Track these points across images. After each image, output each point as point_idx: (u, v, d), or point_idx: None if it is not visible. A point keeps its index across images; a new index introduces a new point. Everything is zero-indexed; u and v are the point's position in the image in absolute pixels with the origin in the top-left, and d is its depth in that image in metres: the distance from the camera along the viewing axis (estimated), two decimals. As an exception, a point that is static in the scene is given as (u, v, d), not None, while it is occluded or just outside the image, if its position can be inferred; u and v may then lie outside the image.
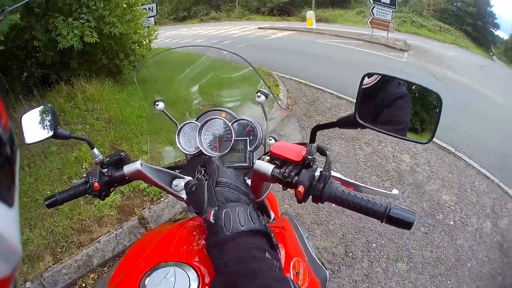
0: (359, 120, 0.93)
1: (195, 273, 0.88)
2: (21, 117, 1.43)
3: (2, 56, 6.58)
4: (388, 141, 6.55)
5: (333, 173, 1.07)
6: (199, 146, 1.51)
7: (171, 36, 24.00)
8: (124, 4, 7.36)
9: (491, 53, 49.49)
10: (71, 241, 3.51)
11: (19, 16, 5.14)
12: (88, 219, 3.74)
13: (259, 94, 1.43)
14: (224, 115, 1.56)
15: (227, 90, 1.85)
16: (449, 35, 42.64)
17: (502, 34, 58.42)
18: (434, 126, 1.00)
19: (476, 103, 12.37)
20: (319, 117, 7.19)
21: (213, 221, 0.94)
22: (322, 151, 1.08)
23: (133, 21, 7.75)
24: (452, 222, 4.69)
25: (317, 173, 1.02)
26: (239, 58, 1.64)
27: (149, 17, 10.62)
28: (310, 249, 1.31)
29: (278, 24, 32.21)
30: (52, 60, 6.77)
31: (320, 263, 1.29)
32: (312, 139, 1.05)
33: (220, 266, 0.85)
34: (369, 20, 23.20)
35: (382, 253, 3.92)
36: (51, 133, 1.36)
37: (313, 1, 34.14)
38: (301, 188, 0.99)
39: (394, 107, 1.00)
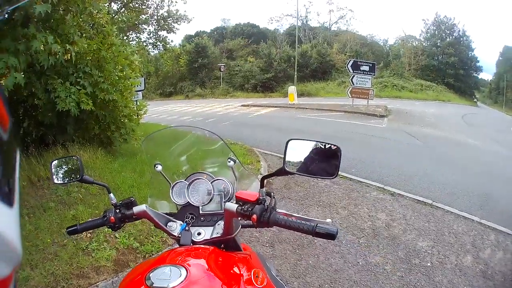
0: (287, 169, 1.63)
1: (185, 271, 1.27)
2: (51, 162, 1.99)
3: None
4: (364, 204, 6.91)
5: (280, 210, 1.64)
6: (187, 199, 1.96)
7: (158, 112, 24.76)
8: (116, 76, 7.73)
9: (475, 100, 50.09)
10: (71, 283, 3.81)
11: (23, 76, 5.44)
12: (87, 267, 4.04)
13: (229, 160, 1.98)
14: (205, 176, 2.04)
15: (207, 159, 2.35)
16: (431, 92, 43.40)
17: (485, 75, 59.28)
18: (337, 167, 1.64)
19: (455, 153, 12.90)
20: (298, 188, 7.55)
21: None
22: (269, 194, 1.66)
23: (124, 92, 8.24)
24: (429, 264, 4.91)
25: (266, 207, 1.57)
26: (216, 135, 2.25)
27: (137, 91, 10.91)
28: (272, 272, 1.86)
29: (261, 101, 33.29)
30: (50, 122, 7.08)
31: (280, 281, 1.83)
32: (262, 185, 1.67)
33: None
34: (349, 90, 24.00)
35: None
36: (78, 177, 1.93)
37: (295, 76, 34.88)
38: (254, 217, 1.52)
39: (314, 158, 1.69)
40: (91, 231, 4.59)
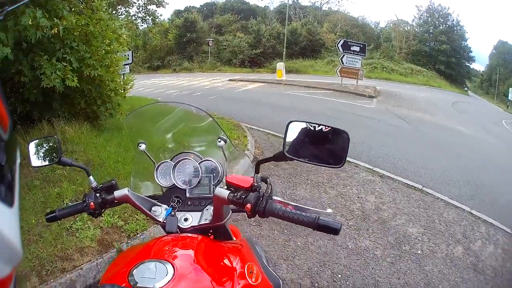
0: (286, 155, 1.44)
1: (172, 267, 1.16)
2: (29, 144, 1.82)
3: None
4: (353, 184, 6.83)
5: (276, 198, 1.47)
6: (173, 181, 1.83)
7: (145, 85, 24.38)
8: (103, 51, 7.65)
9: (465, 89, 50.46)
10: (55, 266, 3.66)
11: (10, 50, 5.30)
12: (71, 248, 3.91)
13: (219, 139, 1.78)
14: (192, 156, 1.91)
15: (195, 137, 2.18)
16: (421, 77, 43.61)
17: (478, 66, 59.72)
18: (345, 155, 1.44)
19: (446, 139, 12.91)
20: (286, 165, 7.39)
21: None
22: (265, 180, 1.54)
23: (111, 66, 8.14)
24: (419, 251, 4.85)
25: (261, 196, 1.42)
26: (204, 112, 2.04)
27: (125, 64, 10.82)
28: (265, 263, 1.67)
29: (249, 76, 33.04)
30: (35, 99, 7.02)
31: (274, 273, 1.64)
32: (257, 170, 1.52)
33: None
34: (339, 69, 24.06)
35: (348, 282, 4.09)
36: (56, 160, 1.78)
37: (284, 53, 34.80)
38: (248, 206, 1.37)
39: (318, 144, 1.51)
40: None
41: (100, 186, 1.72)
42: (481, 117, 23.19)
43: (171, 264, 1.18)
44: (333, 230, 1.30)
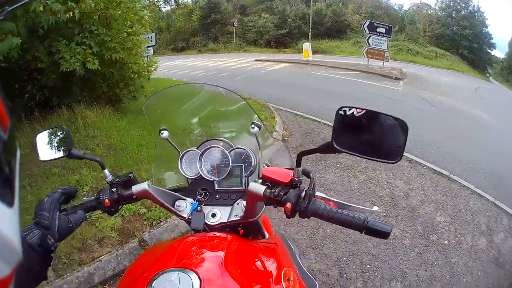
0: (336, 146, 1.14)
1: (198, 278, 0.98)
2: (36, 136, 1.62)
3: (3, 75, 6.67)
4: (382, 169, 6.63)
5: (318, 193, 1.31)
6: (200, 172, 1.64)
7: (169, 67, 24.05)
8: (125, 33, 7.51)
9: (487, 75, 49.46)
10: (73, 259, 3.61)
11: (20, 40, 5.21)
12: (90, 239, 3.82)
13: (253, 125, 1.59)
14: (222, 144, 1.72)
15: (224, 122, 2.00)
16: (445, 60, 42.64)
17: (498, 53, 58.37)
18: (402, 148, 1.18)
19: (470, 126, 12.53)
20: (314, 146, 7.06)
21: None
22: (307, 174, 1.32)
23: (133, 49, 8.01)
24: (446, 242, 4.74)
25: (303, 193, 1.21)
26: (235, 94, 1.84)
27: (148, 46, 10.77)
28: (300, 263, 1.51)
29: (275, 56, 32.45)
30: (54, 84, 6.91)
31: (310, 275, 1.49)
32: (298, 163, 1.26)
33: None
34: (365, 50, 23.53)
35: (376, 274, 3.99)
36: (65, 153, 1.55)
37: (310, 33, 34.29)
38: (288, 205, 1.18)
39: (371, 134, 1.23)
40: None
41: (117, 180, 1.53)
42: (504, 105, 22.44)
43: (197, 274, 1.01)
44: (382, 234, 1.13)
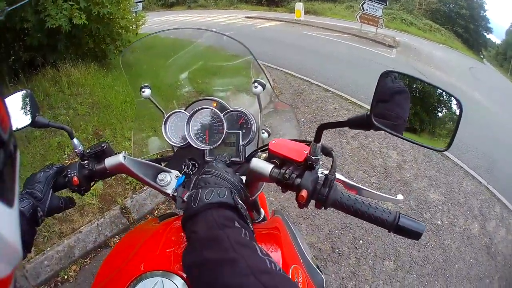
0: (374, 122, 0.86)
1: (185, 284, 0.83)
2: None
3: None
4: (375, 136, 6.53)
5: (339, 176, 1.03)
6: (187, 138, 1.43)
7: (158, 22, 23.83)
8: None
9: (481, 56, 50.38)
10: (53, 231, 3.46)
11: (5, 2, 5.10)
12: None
13: (256, 84, 1.36)
14: (215, 105, 1.49)
15: (219, 79, 1.76)
16: (439, 35, 43.22)
17: (494, 38, 59.39)
18: (452, 133, 0.95)
19: (465, 105, 12.41)
20: (305, 108, 7.21)
21: (186, 199, 1.02)
22: (327, 152, 1.01)
23: (121, 3, 7.78)
24: (439, 222, 4.72)
25: (321, 176, 0.95)
26: (236, 44, 1.57)
27: (137, 2, 10.68)
28: (305, 253, 1.29)
29: (266, 14, 32.15)
30: (39, 42, 6.66)
31: (316, 268, 1.27)
32: (318, 138, 0.96)
33: (190, 235, 0.88)
34: (359, 15, 23.42)
35: (369, 251, 3.91)
36: (29, 121, 1.30)
37: (303, -7, 34.16)
38: (304, 193, 0.92)
39: (419, 111, 0.98)
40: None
41: (88, 151, 1.28)
42: (496, 89, 22.84)
43: (183, 279, 0.84)
44: (414, 235, 0.89)
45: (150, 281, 0.83)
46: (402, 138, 0.92)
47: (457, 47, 42.47)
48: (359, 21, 23.27)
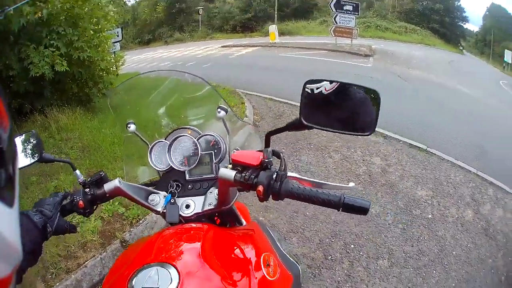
0: (304, 122, 1.16)
1: (176, 271, 0.98)
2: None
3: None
4: (357, 147, 6.65)
5: (290, 174, 1.26)
6: (170, 163, 1.61)
7: (137, 61, 24.06)
8: (91, 30, 7.59)
9: (460, 48, 50.40)
10: (60, 267, 3.56)
11: None
12: (73, 245, 3.82)
13: (219, 110, 1.54)
14: (190, 132, 1.69)
15: (191, 110, 1.95)
16: (416, 35, 43.45)
17: (472, 26, 59.78)
18: (375, 119, 1.19)
19: (445, 98, 12.76)
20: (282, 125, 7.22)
21: None
22: (277, 154, 1.26)
23: (100, 45, 8.10)
24: (430, 216, 4.80)
25: (274, 174, 1.16)
26: (200, 79, 1.79)
27: (114, 42, 10.84)
28: (281, 248, 1.50)
29: (242, 41, 32.71)
30: (26, 90, 6.90)
31: (292, 259, 1.49)
32: (267, 144, 1.28)
33: None
34: (332, 28, 23.69)
35: (361, 253, 4.01)
36: (37, 158, 1.54)
37: (275, 15, 34.47)
38: (260, 188, 1.13)
39: (341, 107, 1.25)
40: None
41: (89, 180, 1.48)
42: (478, 76, 23.17)
43: (175, 268, 1.01)
44: (361, 210, 1.07)
45: (148, 270, 1.00)
46: (332, 131, 1.19)
47: (434, 43, 42.69)
48: (333, 35, 23.50)
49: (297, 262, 1.51)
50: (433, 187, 5.55)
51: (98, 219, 4.18)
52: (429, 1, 49.56)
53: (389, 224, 4.51)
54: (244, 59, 20.28)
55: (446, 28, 49.29)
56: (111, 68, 8.93)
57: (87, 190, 1.45)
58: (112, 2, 10.48)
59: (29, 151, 1.60)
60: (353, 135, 1.26)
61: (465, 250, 4.27)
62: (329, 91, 1.21)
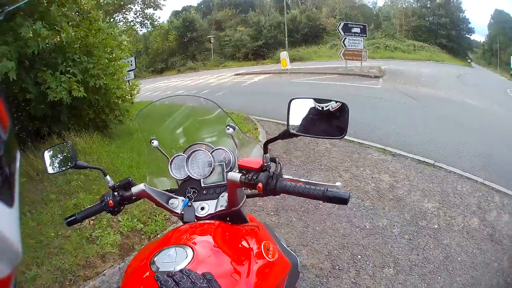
0: (291, 131, 1.51)
1: (191, 250, 1.24)
2: (43, 153, 1.93)
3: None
4: (366, 165, 6.85)
5: (286, 176, 1.58)
6: (187, 172, 1.90)
7: (151, 89, 24.40)
8: (106, 59, 7.77)
9: (469, 60, 50.20)
10: (78, 275, 3.75)
11: (14, 64, 5.42)
12: (92, 256, 3.98)
13: (228, 127, 1.87)
14: (204, 147, 1.97)
15: (205, 128, 2.27)
16: (424, 52, 43.36)
17: (478, 37, 59.36)
18: (346, 125, 1.54)
19: (453, 112, 12.82)
20: (298, 152, 7.49)
21: None
22: (273, 160, 1.63)
23: (115, 74, 8.37)
24: (436, 226, 4.90)
25: (271, 174, 1.50)
26: (211, 102, 2.15)
27: (129, 70, 11.09)
28: (281, 241, 1.81)
29: (254, 69, 33.01)
30: (43, 113, 7.10)
31: (290, 251, 1.79)
32: (265, 151, 1.59)
33: None
34: (342, 52, 23.84)
35: (368, 263, 4.15)
36: (72, 164, 1.87)
37: (286, 41, 34.81)
38: (260, 185, 1.45)
39: (320, 117, 1.58)
40: (93, 217, 4.55)
41: (117, 184, 1.79)
42: (486, 88, 23.12)
43: (191, 248, 1.26)
44: (342, 200, 1.38)
45: (167, 250, 1.26)
46: (314, 137, 1.61)
47: (443, 59, 42.56)
48: (343, 58, 23.70)
49: (296, 255, 1.80)
50: (439, 199, 5.63)
51: (117, 233, 4.39)
52: (435, 16, 49.52)
53: (395, 236, 4.64)
54: (257, 87, 20.59)
55: (453, 41, 49.31)
56: (127, 96, 9.14)
57: (115, 193, 1.76)
58: (125, 32, 10.79)
59: (65, 159, 1.95)
60: (330, 139, 1.67)
61: (470, 256, 4.34)
62: (310, 105, 1.57)
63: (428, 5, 52.06)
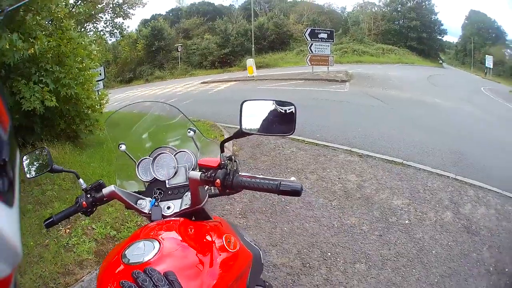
0: (244, 131, 1.62)
1: (158, 243, 1.32)
2: (23, 158, 2.04)
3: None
4: (332, 167, 6.93)
5: (244, 173, 1.64)
6: (153, 175, 1.98)
7: (120, 99, 24.17)
8: (77, 69, 7.88)
9: (440, 61, 51.01)
10: (59, 283, 3.88)
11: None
12: (70, 264, 4.11)
13: (189, 130, 1.98)
14: (168, 150, 2.07)
15: (170, 133, 2.37)
16: (393, 55, 44.09)
17: (451, 38, 60.53)
18: (294, 122, 1.62)
19: (422, 113, 13.14)
20: (264, 157, 7.60)
21: None
22: (230, 158, 1.70)
23: (85, 83, 8.45)
24: (407, 221, 4.99)
25: (228, 171, 1.61)
26: (175, 108, 2.30)
27: (97, 80, 11.10)
28: (243, 235, 1.88)
29: (221, 76, 33.28)
30: (19, 124, 7.19)
31: (253, 244, 1.87)
32: (222, 150, 1.70)
33: None
34: (308, 58, 24.10)
35: (338, 259, 4.20)
36: (48, 169, 1.96)
37: (253, 49, 35.00)
38: (218, 181, 1.57)
39: (270, 117, 1.67)
40: (69, 226, 4.78)
41: (90, 186, 1.89)
42: (458, 87, 23.70)
43: (158, 241, 1.34)
44: (295, 192, 1.48)
45: (136, 244, 1.35)
46: (265, 134, 1.75)
47: (412, 61, 43.48)
48: (309, 64, 23.95)
49: (258, 247, 1.89)
50: (409, 195, 5.74)
51: (92, 241, 4.53)
52: (406, 19, 50.52)
53: (365, 232, 4.72)
54: (223, 94, 20.71)
55: (423, 44, 50.33)
56: (96, 106, 9.20)
57: (88, 195, 1.87)
58: (94, 42, 10.78)
59: (42, 163, 2.04)
60: (280, 135, 1.80)
61: (445, 248, 4.44)
62: (261, 106, 1.68)
63: (399, 9, 53.11)
